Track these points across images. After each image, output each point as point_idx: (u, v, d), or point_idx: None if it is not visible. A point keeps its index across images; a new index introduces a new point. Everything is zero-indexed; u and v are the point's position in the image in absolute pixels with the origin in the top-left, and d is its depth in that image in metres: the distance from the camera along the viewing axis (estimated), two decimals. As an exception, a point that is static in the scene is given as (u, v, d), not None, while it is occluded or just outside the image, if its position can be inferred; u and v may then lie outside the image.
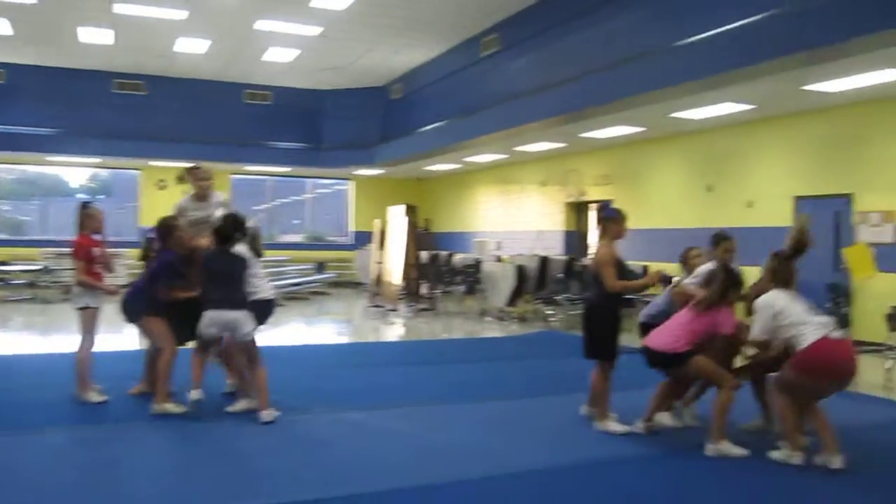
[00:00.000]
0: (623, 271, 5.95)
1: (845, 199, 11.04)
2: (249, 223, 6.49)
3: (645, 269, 13.14)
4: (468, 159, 18.68)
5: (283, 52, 16.92)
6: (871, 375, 8.08)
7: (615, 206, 6.45)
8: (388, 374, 8.40)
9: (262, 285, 6.42)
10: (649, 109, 11.59)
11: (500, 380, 8.22)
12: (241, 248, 6.24)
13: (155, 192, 20.66)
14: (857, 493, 4.67)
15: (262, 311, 6.37)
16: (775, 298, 5.15)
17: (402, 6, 13.69)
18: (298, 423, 6.00)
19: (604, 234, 5.97)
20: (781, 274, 5.23)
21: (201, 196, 6.83)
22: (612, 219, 5.98)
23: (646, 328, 5.98)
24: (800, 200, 11.70)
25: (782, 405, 5.13)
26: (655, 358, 5.48)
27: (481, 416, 6.46)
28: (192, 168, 6.99)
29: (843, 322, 8.77)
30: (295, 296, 17.94)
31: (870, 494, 4.68)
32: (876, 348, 9.00)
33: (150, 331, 6.35)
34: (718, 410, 5.28)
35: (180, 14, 13.98)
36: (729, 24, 9.30)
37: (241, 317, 5.96)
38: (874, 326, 9.67)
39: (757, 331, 5.21)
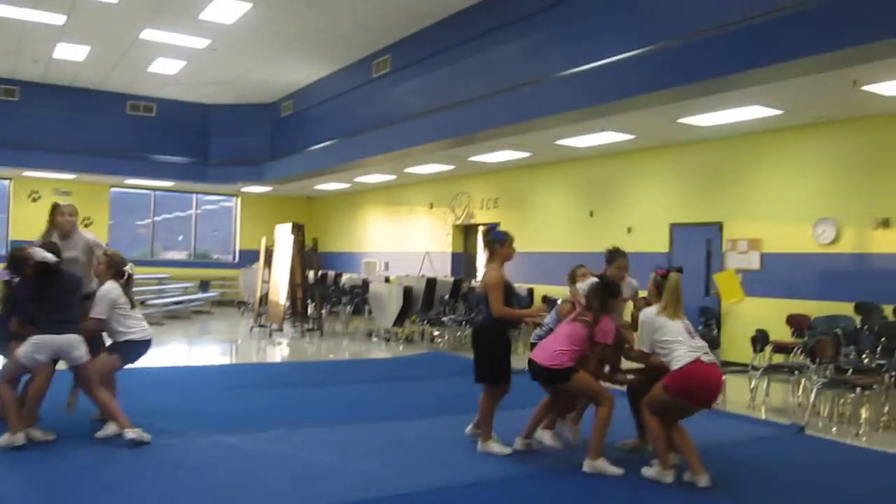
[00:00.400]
0: (511, 294, 6.04)
1: (716, 227, 11.64)
2: (126, 268, 6.20)
3: (530, 291, 13.47)
4: (358, 179, 18.63)
5: (169, 64, 16.46)
6: (737, 395, 8.50)
7: (502, 228, 6.49)
8: (270, 396, 8.21)
9: (135, 326, 6.10)
10: (535, 136, 11.90)
11: (385, 401, 8.17)
12: (114, 290, 6.00)
13: (27, 203, 19.63)
14: (720, 508, 4.88)
15: (134, 351, 6.11)
16: (653, 312, 5.35)
17: (293, 23, 13.57)
18: (171, 447, 5.76)
19: (492, 257, 6.04)
20: (659, 289, 5.41)
21: (63, 234, 6.42)
22: (499, 241, 6.03)
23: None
24: (675, 227, 12.26)
25: (653, 424, 5.31)
26: (540, 372, 5.56)
27: (365, 438, 6.39)
28: (53, 205, 6.54)
29: (713, 344, 9.18)
30: (177, 315, 17.35)
31: (732, 509, 4.90)
32: (742, 368, 9.48)
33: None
34: (597, 428, 5.41)
35: (57, 18, 13.38)
36: (611, 56, 9.69)
37: (74, 340, 5.64)
38: (741, 348, 10.22)
39: (642, 343, 5.42)
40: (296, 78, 17.70)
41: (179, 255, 23.06)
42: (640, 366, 5.83)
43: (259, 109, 20.41)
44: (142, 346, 6.18)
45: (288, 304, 14.74)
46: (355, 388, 8.88)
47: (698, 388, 5.15)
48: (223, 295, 21.48)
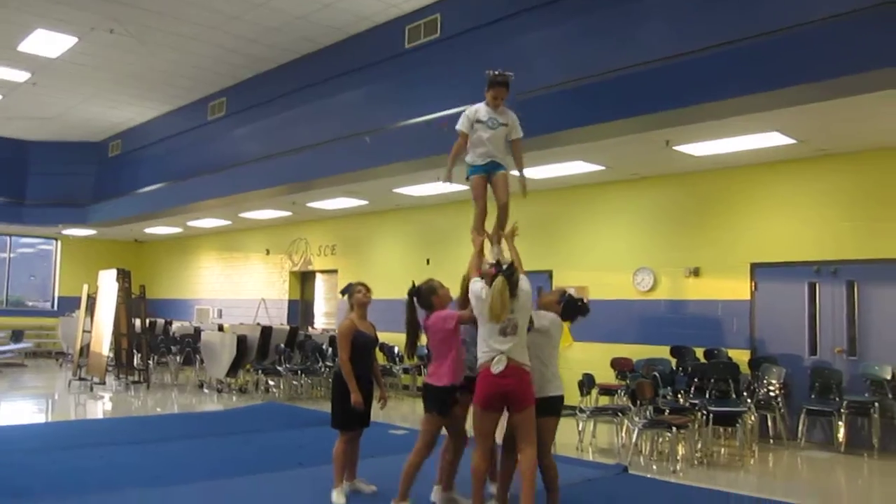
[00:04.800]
0: (364, 345, 6.09)
1: (546, 275, 12.13)
2: None
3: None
4: (191, 223, 17.99)
5: (-19, 97, 15.32)
6: (566, 437, 8.81)
7: (351, 279, 6.51)
8: (87, 457, 7.61)
9: None
10: (372, 184, 12.01)
11: (217, 458, 7.81)
12: None
13: None
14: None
15: None
16: (478, 289, 5.21)
17: (123, 61, 13.03)
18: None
19: (350, 306, 6.24)
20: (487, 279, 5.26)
21: None
22: (345, 291, 6.31)
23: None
24: (508, 275, 12.64)
25: (473, 456, 5.25)
26: (431, 394, 5.50)
27: (190, 499, 6.08)
28: None
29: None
30: (-17, 368, 15.94)
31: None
32: (571, 411, 9.84)
33: None
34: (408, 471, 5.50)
35: None
36: (449, 108, 9.91)
37: None
38: (570, 391, 10.57)
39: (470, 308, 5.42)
40: (125, 117, 16.93)
41: (-11, 303, 21.25)
42: None
43: (84, 148, 19.25)
44: None
45: (111, 355, 13.91)
46: (183, 445, 8.44)
47: (481, 389, 5.10)
48: (39, 345, 19.95)
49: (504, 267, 5.23)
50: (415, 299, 5.79)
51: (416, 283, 5.84)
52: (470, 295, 5.33)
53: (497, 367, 5.00)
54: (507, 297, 5.08)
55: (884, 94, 6.87)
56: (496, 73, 5.87)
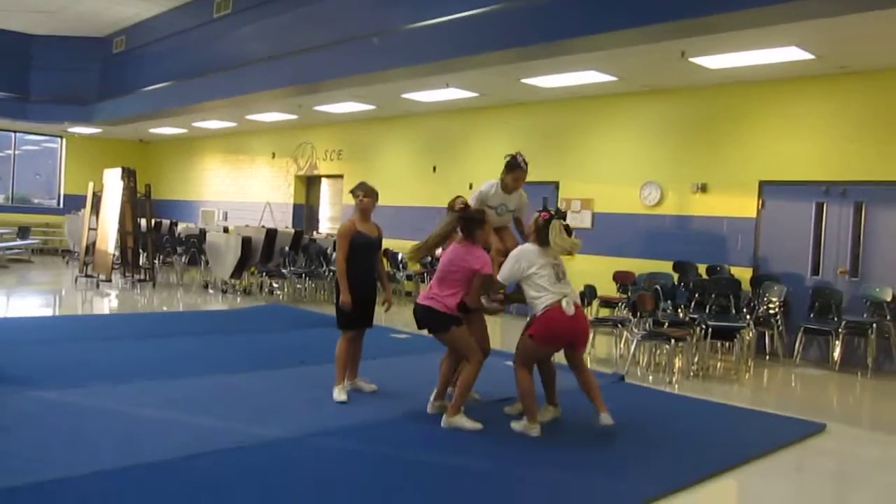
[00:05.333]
0: (365, 248, 6.06)
1: (552, 186, 12.07)
2: None
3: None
4: (196, 124, 17.84)
5: (-19, -13, 14.96)
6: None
7: (364, 180, 6.45)
8: (94, 350, 7.78)
9: None
10: (380, 88, 11.81)
11: (219, 354, 7.96)
12: None
13: None
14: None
15: None
16: (531, 253, 5.37)
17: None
18: (-20, 404, 5.38)
19: (354, 208, 6.23)
20: (541, 234, 5.38)
21: None
22: (352, 192, 6.25)
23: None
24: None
25: (523, 378, 5.39)
26: (423, 315, 5.51)
27: (195, 391, 6.21)
28: None
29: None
30: (-10, 263, 16.11)
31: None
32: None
33: None
34: (461, 385, 5.42)
35: None
36: (458, 13, 9.70)
37: None
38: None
39: (503, 273, 5.44)
40: (130, 12, 16.52)
41: (-5, 199, 21.31)
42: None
43: (88, 44, 18.84)
44: None
45: (117, 253, 14.01)
46: (187, 341, 8.58)
47: (559, 330, 5.27)
48: (46, 243, 20.13)
49: (554, 211, 5.49)
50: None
51: (466, 203, 5.63)
52: (516, 257, 5.40)
53: (571, 309, 5.25)
54: (566, 238, 5.36)
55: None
56: (521, 158, 5.91)
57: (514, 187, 6.00)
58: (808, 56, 8.45)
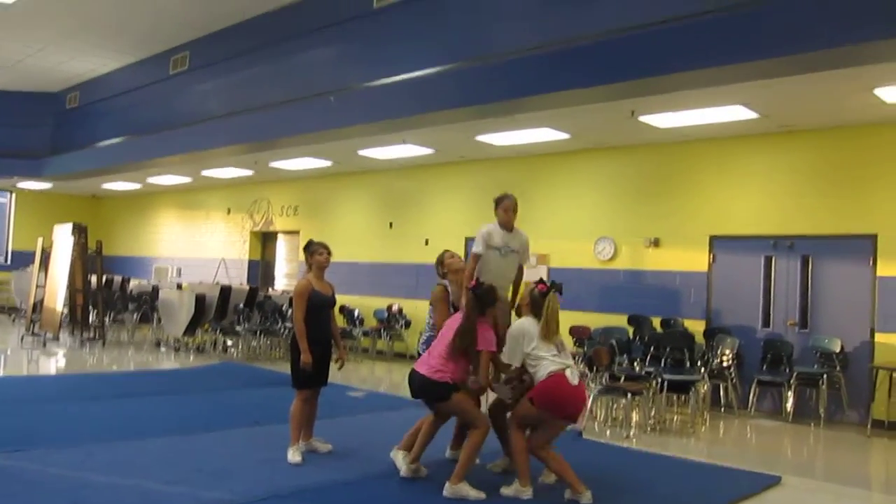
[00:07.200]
0: (321, 305, 6.04)
1: (508, 242, 12.13)
2: None
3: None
4: (151, 180, 17.68)
5: (-68, 43, 14.76)
6: (523, 402, 8.89)
7: (314, 238, 6.45)
8: (40, 412, 7.52)
9: None
10: (337, 145, 11.88)
11: (170, 415, 7.76)
12: None
13: None
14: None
15: None
16: (529, 326, 5.34)
17: (82, 8, 12.61)
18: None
19: (308, 266, 6.21)
20: (537, 306, 5.39)
21: None
22: (306, 249, 6.24)
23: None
24: (470, 241, 12.64)
25: (517, 439, 5.29)
26: (422, 385, 5.37)
27: (145, 454, 6.02)
28: None
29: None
30: (-68, 322, 15.58)
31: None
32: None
33: None
34: (466, 451, 5.25)
35: None
36: (415, 71, 9.86)
37: None
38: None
39: (506, 355, 5.38)
40: (84, 68, 16.45)
41: (-61, 256, 20.75)
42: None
43: (40, 98, 18.66)
44: None
45: (66, 311, 13.68)
46: (137, 401, 8.36)
47: (561, 398, 5.15)
48: (-9, 300, 19.58)
49: (551, 283, 5.47)
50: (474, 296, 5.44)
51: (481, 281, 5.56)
52: (513, 335, 5.37)
53: (575, 380, 5.19)
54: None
55: (847, 71, 6.93)
56: (504, 193, 6.15)
57: (507, 218, 6.08)
58: (753, 115, 8.75)
